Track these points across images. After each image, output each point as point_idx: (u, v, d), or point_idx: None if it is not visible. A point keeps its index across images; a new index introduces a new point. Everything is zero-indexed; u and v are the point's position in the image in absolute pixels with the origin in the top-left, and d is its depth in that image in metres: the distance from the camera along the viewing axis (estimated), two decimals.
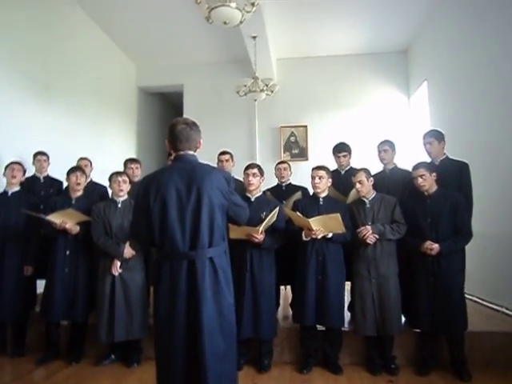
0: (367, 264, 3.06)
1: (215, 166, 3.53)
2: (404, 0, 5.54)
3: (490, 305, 4.05)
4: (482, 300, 4.17)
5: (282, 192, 3.84)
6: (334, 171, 3.59)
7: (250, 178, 3.16)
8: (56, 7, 5.20)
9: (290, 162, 4.10)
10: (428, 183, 3.04)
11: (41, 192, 4.02)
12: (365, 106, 7.10)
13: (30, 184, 3.94)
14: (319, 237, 2.99)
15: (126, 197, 3.39)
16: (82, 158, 4.27)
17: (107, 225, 3.26)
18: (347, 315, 3.41)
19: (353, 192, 3.35)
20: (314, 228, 2.95)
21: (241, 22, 4.00)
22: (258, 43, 5.79)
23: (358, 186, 3.14)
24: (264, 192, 3.52)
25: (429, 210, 3.04)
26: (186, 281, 1.91)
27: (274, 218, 2.99)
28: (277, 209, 3.00)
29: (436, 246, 2.93)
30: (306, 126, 7.19)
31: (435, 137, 3.34)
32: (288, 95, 7.09)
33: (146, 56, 7.28)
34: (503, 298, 3.91)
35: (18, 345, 3.51)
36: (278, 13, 5.67)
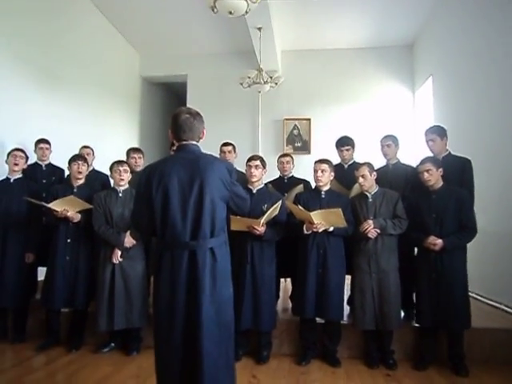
0: (368, 258, 3.06)
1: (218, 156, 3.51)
2: None
3: (490, 302, 4.06)
4: (482, 297, 4.18)
5: (283, 185, 3.83)
6: (337, 165, 3.57)
7: (253, 169, 3.15)
8: None
9: (292, 155, 4.08)
10: (434, 178, 3.02)
11: (42, 180, 4.02)
12: (369, 100, 7.06)
13: (31, 172, 3.93)
14: (320, 230, 2.99)
15: (126, 186, 3.39)
16: (84, 147, 4.26)
17: (108, 214, 3.27)
18: (347, 309, 3.41)
19: (356, 186, 3.33)
20: (316, 222, 2.95)
21: (246, 13, 3.97)
22: (263, 34, 5.75)
23: (360, 180, 3.12)
24: (266, 184, 3.51)
25: (434, 205, 3.02)
26: (186, 271, 1.91)
27: (277, 212, 2.98)
28: (279, 202, 2.99)
29: (440, 242, 2.92)
30: (309, 119, 7.17)
31: (438, 133, 3.30)
32: (292, 88, 7.06)
33: (150, 46, 7.23)
34: (503, 294, 3.91)
35: (19, 331, 3.54)
36: (283, 4, 5.62)
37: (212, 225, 1.96)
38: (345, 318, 3.21)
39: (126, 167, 3.39)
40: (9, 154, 3.62)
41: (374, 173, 3.16)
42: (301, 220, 3.08)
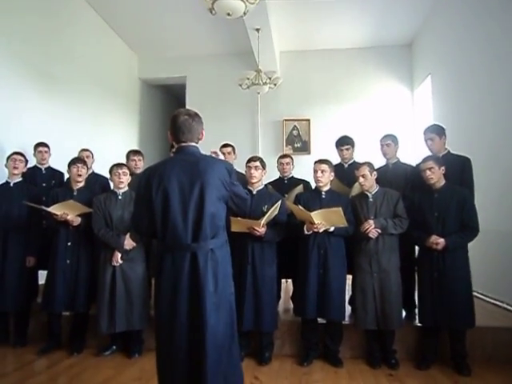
0: (369, 258, 3.06)
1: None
2: None
3: (492, 300, 4.05)
4: (484, 295, 4.17)
5: (283, 185, 3.83)
6: (337, 165, 3.57)
7: (252, 170, 3.15)
8: None
9: (292, 156, 4.08)
10: (436, 176, 3.01)
11: (42, 183, 4.02)
12: (368, 99, 7.06)
13: (31, 175, 3.93)
14: (321, 230, 2.99)
15: (126, 188, 3.39)
16: (83, 150, 4.27)
17: (108, 216, 3.26)
18: (348, 309, 3.41)
19: (356, 184, 3.33)
20: (316, 222, 2.95)
21: (244, 14, 3.97)
22: (261, 35, 5.75)
23: (361, 180, 3.12)
24: (266, 185, 3.51)
25: (436, 204, 3.01)
26: (188, 273, 1.91)
27: (276, 212, 2.98)
28: (279, 202, 2.98)
29: (442, 241, 2.91)
30: (308, 120, 7.16)
31: (436, 132, 3.30)
32: (291, 88, 7.06)
33: (149, 47, 7.24)
34: (505, 293, 3.91)
35: (20, 335, 3.53)
36: (281, 5, 5.63)
37: (212, 226, 1.96)
38: (346, 318, 3.21)
39: (126, 170, 3.39)
40: (8, 157, 3.62)
41: (375, 172, 3.16)
42: (301, 220, 3.08)
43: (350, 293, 3.47)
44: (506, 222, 3.92)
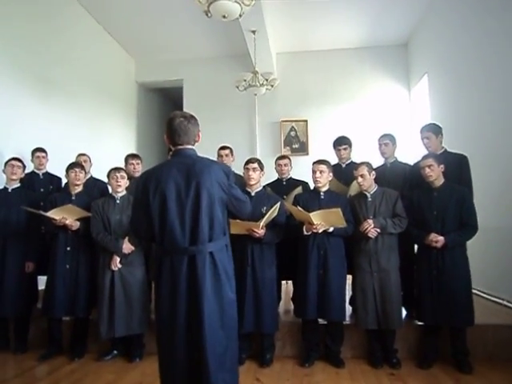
0: (368, 258, 3.06)
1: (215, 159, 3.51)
2: None
3: (492, 298, 4.05)
4: (484, 293, 4.17)
5: (282, 187, 3.83)
6: (334, 165, 3.57)
7: (250, 172, 3.15)
8: (52, 0, 5.16)
9: (290, 157, 4.08)
10: (435, 174, 3.01)
11: (40, 189, 4.01)
12: (365, 99, 7.08)
13: (28, 181, 3.93)
14: (320, 231, 2.99)
15: (124, 193, 3.38)
16: (80, 154, 4.26)
17: (106, 221, 3.26)
18: (348, 309, 3.41)
19: (354, 183, 3.33)
20: (315, 222, 2.95)
21: (240, 16, 3.97)
22: (257, 37, 5.76)
23: (359, 179, 3.12)
24: (264, 187, 3.51)
25: (435, 202, 3.02)
26: (186, 276, 1.90)
27: (275, 213, 2.98)
28: (278, 204, 2.99)
29: (441, 239, 2.92)
30: (306, 121, 7.17)
31: (432, 131, 3.31)
32: (288, 89, 7.07)
33: (145, 51, 7.24)
34: (505, 291, 3.91)
35: (21, 341, 3.52)
36: (277, 6, 5.64)
37: (210, 229, 1.95)
38: (347, 318, 3.21)
39: (123, 174, 3.38)
40: (6, 163, 3.61)
41: (373, 172, 3.16)
42: (300, 221, 3.08)
43: (351, 293, 3.47)
44: (506, 220, 3.93)
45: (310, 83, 7.18)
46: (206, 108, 6.97)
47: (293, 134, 7.21)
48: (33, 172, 4.08)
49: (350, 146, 3.81)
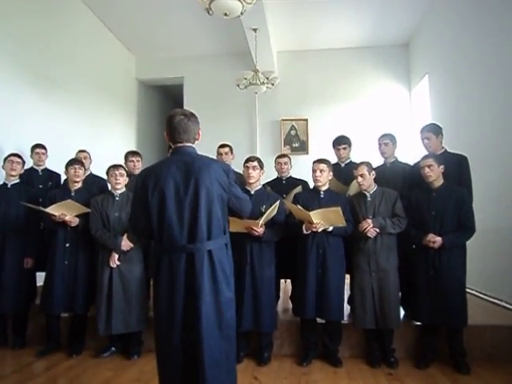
0: (367, 257, 3.06)
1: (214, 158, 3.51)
2: None
3: (490, 299, 4.06)
4: (482, 294, 4.18)
5: (282, 185, 3.83)
6: (334, 165, 3.56)
7: (250, 170, 3.15)
8: None
9: (290, 156, 4.08)
10: (435, 174, 3.01)
11: (39, 185, 4.02)
12: (365, 99, 7.07)
13: (28, 177, 3.93)
14: (320, 230, 2.99)
15: (123, 190, 3.38)
16: (80, 151, 4.26)
17: (105, 217, 3.26)
18: (347, 308, 3.41)
19: (354, 182, 3.33)
20: (315, 221, 2.94)
21: (241, 14, 3.96)
22: (258, 35, 5.76)
23: (359, 179, 3.12)
24: (264, 185, 3.50)
25: (434, 203, 3.02)
26: (184, 274, 1.90)
27: (275, 212, 2.98)
28: (277, 202, 2.99)
29: (438, 239, 2.92)
30: (306, 120, 7.17)
31: (433, 131, 3.30)
32: (289, 88, 7.07)
33: (146, 48, 7.24)
34: (503, 291, 3.91)
35: (19, 337, 3.53)
36: (278, 5, 5.63)
37: (209, 227, 1.95)
38: (345, 317, 3.21)
39: (122, 171, 3.38)
40: (5, 159, 3.61)
41: (373, 172, 3.15)
42: (300, 220, 3.08)
43: (349, 292, 3.47)
44: (505, 221, 3.93)
45: (310, 82, 7.17)
46: (207, 106, 6.96)
47: (293, 132, 7.21)
48: (32, 168, 4.08)
49: (350, 145, 3.81)
